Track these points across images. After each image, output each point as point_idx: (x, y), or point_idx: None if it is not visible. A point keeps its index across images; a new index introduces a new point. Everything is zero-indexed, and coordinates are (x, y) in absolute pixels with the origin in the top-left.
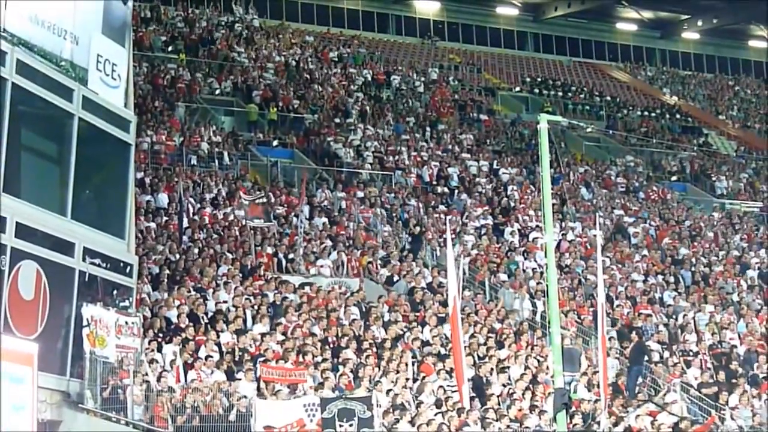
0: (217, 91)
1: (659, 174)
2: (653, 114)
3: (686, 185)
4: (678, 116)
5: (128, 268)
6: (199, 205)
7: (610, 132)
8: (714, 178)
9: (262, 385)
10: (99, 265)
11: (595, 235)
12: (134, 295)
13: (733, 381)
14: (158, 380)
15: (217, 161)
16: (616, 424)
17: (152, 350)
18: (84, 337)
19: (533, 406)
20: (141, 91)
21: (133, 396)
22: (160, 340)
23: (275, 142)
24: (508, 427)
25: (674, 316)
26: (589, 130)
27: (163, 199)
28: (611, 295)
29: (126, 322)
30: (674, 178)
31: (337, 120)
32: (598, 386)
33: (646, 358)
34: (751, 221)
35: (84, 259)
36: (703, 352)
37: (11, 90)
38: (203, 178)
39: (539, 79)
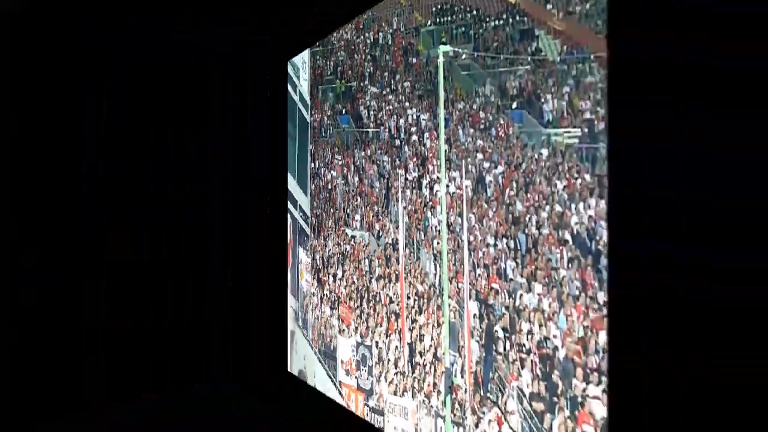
0: None
1: (505, 101)
2: (500, 22)
3: (522, 113)
4: (517, 18)
5: None
6: None
7: (475, 55)
8: (542, 100)
9: None
10: None
11: (467, 187)
12: None
13: (555, 400)
14: None
15: None
16: (477, 425)
17: None
18: None
19: (435, 384)
20: None
21: None
22: None
23: None
24: (423, 402)
25: (513, 295)
26: (463, 57)
27: None
28: (474, 261)
29: None
30: (514, 104)
31: None
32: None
33: (494, 347)
34: (573, 159)
35: None
36: (534, 350)
37: None
38: None
39: (440, 6)
